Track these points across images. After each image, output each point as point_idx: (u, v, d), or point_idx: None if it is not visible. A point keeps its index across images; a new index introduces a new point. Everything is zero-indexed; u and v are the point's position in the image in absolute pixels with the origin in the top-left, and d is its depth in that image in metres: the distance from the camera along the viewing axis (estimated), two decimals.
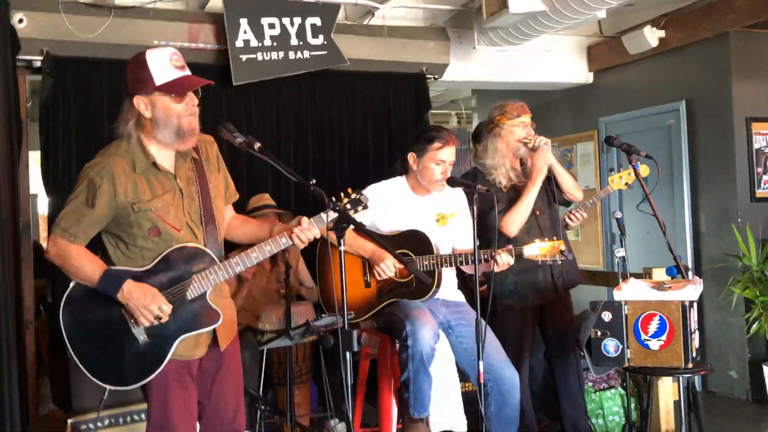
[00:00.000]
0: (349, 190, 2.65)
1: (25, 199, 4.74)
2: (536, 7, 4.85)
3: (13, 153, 4.25)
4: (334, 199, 2.63)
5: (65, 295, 2.54)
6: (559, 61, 6.47)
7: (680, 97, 5.82)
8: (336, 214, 2.56)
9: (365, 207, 2.64)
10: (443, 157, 3.52)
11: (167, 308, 2.48)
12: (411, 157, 3.60)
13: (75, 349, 2.53)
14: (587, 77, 6.63)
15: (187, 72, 2.55)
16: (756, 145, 5.48)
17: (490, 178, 3.90)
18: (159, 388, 2.53)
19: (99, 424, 3.90)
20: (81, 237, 2.51)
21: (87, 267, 2.49)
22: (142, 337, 2.50)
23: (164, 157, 2.58)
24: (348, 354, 2.44)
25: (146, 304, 2.45)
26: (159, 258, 2.52)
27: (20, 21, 4.60)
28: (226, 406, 2.71)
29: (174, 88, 2.49)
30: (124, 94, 2.56)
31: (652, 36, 5.76)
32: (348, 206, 2.61)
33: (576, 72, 6.58)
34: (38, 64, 4.78)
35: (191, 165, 2.64)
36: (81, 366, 2.52)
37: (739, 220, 5.37)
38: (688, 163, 5.78)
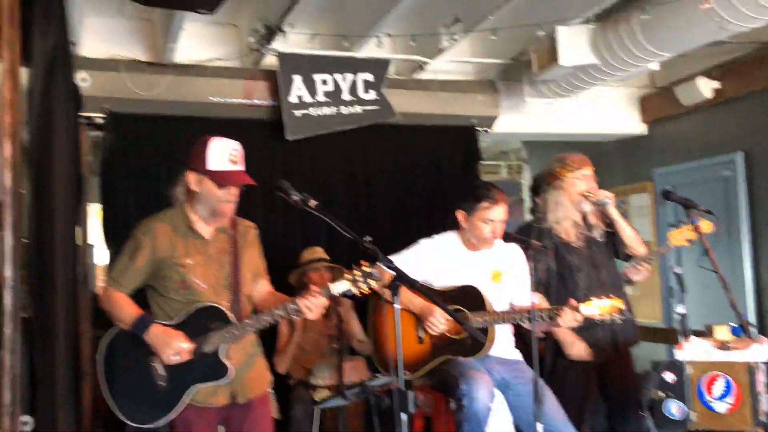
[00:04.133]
0: (363, 262, 2.77)
1: (83, 250, 4.85)
2: (587, 61, 4.84)
3: (74, 207, 4.37)
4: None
5: (108, 339, 2.92)
6: (610, 112, 6.41)
7: (737, 148, 5.70)
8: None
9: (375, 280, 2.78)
10: (492, 216, 3.48)
11: (186, 346, 2.79)
12: (460, 214, 3.58)
13: (109, 387, 2.87)
14: (641, 128, 6.55)
15: (239, 168, 2.89)
16: None
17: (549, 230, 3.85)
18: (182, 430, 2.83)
19: None
20: (124, 285, 2.90)
21: (125, 311, 2.86)
22: (162, 382, 2.81)
23: (203, 226, 2.94)
24: (404, 415, 2.41)
25: (168, 341, 2.78)
26: (184, 314, 2.85)
27: (83, 80, 4.78)
28: None
29: (220, 178, 2.84)
30: (184, 164, 2.92)
31: (706, 87, 5.69)
32: (359, 278, 2.76)
33: (628, 123, 6.51)
34: (100, 120, 4.95)
35: (228, 238, 2.98)
36: (111, 402, 2.85)
37: None
38: (749, 215, 5.63)
